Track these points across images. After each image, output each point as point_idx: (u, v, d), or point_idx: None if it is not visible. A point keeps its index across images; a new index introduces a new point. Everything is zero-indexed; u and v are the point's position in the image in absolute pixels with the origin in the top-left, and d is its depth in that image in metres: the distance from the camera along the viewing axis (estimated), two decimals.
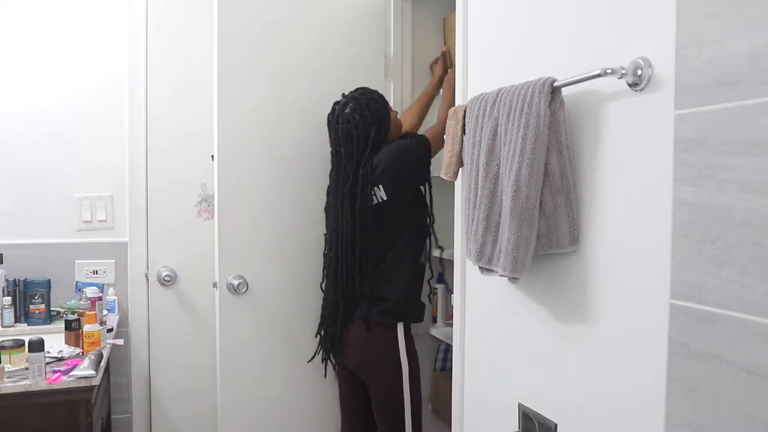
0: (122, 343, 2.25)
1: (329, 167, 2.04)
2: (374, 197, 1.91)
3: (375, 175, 1.89)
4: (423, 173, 1.96)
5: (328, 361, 2.06)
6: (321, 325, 2.08)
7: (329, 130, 2.00)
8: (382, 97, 1.99)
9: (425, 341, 2.47)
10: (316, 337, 2.10)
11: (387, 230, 1.93)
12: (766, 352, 0.80)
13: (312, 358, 2.10)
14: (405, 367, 1.90)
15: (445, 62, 2.29)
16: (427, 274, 2.04)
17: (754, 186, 0.81)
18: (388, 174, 1.89)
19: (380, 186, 1.90)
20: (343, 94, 1.99)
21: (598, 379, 1.14)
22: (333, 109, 1.99)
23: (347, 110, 1.93)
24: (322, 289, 2.08)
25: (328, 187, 2.04)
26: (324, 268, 2.07)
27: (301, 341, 2.14)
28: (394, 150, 1.90)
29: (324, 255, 2.07)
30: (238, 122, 2.03)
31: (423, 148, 1.91)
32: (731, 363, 0.84)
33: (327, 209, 2.05)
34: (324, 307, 2.06)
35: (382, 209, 1.91)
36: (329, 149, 2.03)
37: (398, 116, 2.07)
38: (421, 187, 2.00)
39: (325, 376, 2.10)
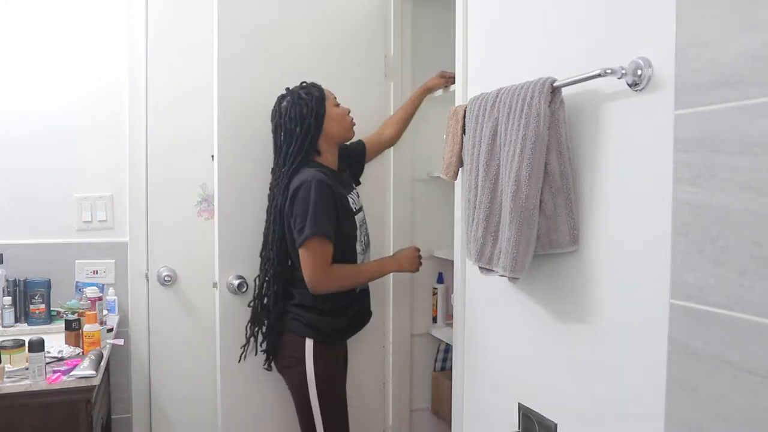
0: (122, 343, 2.25)
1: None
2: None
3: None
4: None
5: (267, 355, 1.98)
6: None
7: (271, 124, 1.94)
8: (320, 91, 1.88)
9: (425, 341, 2.47)
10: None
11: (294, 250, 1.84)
12: (766, 352, 0.80)
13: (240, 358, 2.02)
14: (311, 376, 1.82)
15: (442, 80, 2.20)
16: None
17: (754, 186, 0.81)
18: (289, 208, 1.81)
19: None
20: (287, 89, 1.92)
21: (598, 379, 1.14)
22: (275, 102, 1.93)
23: (284, 103, 1.87)
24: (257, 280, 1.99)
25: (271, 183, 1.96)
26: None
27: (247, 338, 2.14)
28: (301, 194, 1.76)
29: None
30: (238, 122, 2.03)
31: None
32: (731, 363, 0.84)
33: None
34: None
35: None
36: None
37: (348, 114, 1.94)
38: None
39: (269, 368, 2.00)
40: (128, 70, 2.42)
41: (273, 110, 1.92)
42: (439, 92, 2.24)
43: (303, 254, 1.77)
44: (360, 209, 1.96)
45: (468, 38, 1.62)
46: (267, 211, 1.94)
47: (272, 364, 1.98)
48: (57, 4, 2.36)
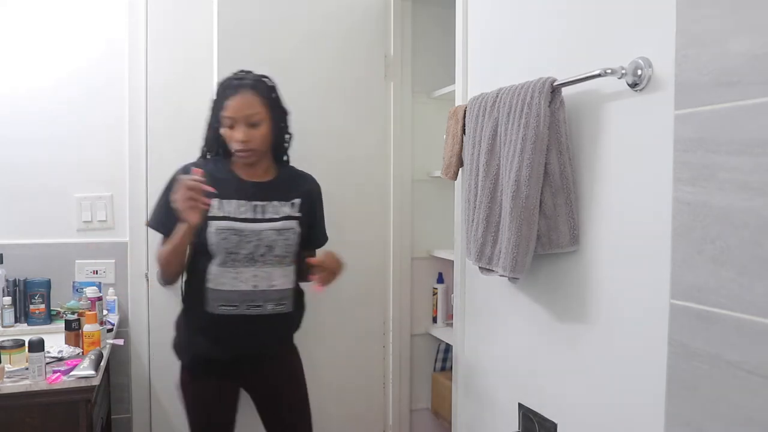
0: (122, 343, 2.25)
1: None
2: None
3: None
4: None
5: None
6: None
7: None
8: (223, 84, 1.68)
9: (425, 341, 2.47)
10: None
11: None
12: (766, 352, 0.80)
13: None
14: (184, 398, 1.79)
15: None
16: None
17: (754, 186, 0.81)
18: None
19: None
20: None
21: (598, 379, 1.14)
22: None
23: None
24: None
25: None
26: None
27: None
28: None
29: None
30: None
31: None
32: (731, 363, 0.84)
33: None
34: None
35: None
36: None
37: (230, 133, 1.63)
38: None
39: None
40: (128, 69, 2.42)
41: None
42: (440, 92, 2.24)
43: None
44: (227, 217, 1.63)
45: (468, 38, 1.62)
46: None
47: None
48: (57, 6, 2.36)
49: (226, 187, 1.65)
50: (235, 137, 1.61)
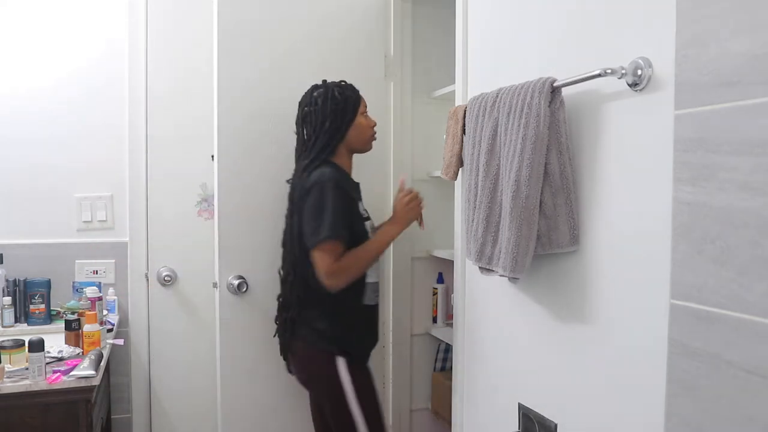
0: (122, 343, 2.25)
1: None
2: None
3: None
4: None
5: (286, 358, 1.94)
6: (278, 313, 1.93)
7: (297, 110, 1.90)
8: (356, 95, 1.86)
9: (425, 341, 2.47)
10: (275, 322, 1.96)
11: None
12: (766, 352, 0.80)
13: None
14: (347, 386, 1.75)
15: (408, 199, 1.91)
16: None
17: (754, 186, 0.81)
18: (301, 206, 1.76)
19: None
20: (324, 81, 1.88)
21: (598, 379, 1.14)
22: (308, 90, 1.89)
23: (315, 93, 1.84)
24: (279, 273, 1.92)
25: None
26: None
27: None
28: (316, 193, 1.72)
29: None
30: (238, 122, 2.03)
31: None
32: (731, 363, 0.84)
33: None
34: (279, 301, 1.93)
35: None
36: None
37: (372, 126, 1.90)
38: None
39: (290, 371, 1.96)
40: (128, 70, 2.42)
41: (304, 97, 1.87)
42: (440, 92, 2.24)
43: (316, 256, 1.72)
44: (369, 218, 1.91)
45: (468, 38, 1.62)
46: (289, 202, 1.88)
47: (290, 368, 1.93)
48: (55, 8, 2.36)
49: (355, 189, 1.90)
50: (371, 123, 1.89)
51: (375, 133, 1.92)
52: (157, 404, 2.50)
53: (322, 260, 1.71)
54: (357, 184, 1.93)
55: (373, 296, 1.86)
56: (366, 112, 1.90)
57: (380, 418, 1.83)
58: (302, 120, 1.87)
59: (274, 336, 1.96)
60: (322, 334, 1.79)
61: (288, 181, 1.91)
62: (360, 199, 1.92)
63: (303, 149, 1.86)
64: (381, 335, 2.35)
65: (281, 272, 1.91)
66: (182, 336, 2.51)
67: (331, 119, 1.81)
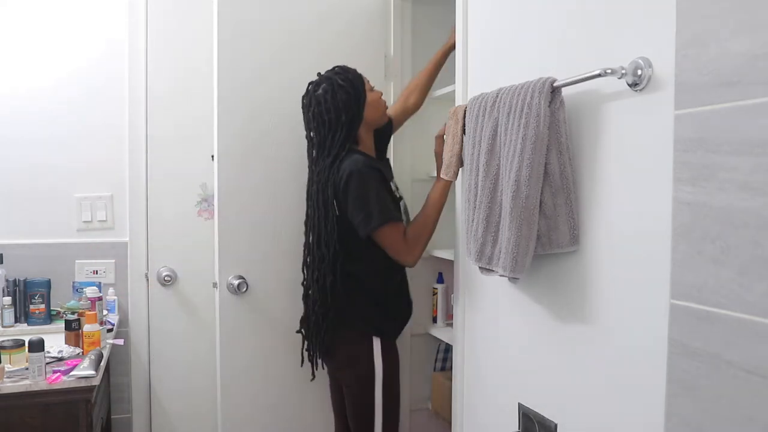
0: (122, 343, 2.25)
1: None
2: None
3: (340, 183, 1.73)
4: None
5: (314, 362, 1.93)
6: (302, 322, 1.94)
7: (303, 113, 1.86)
8: (358, 76, 1.83)
9: (425, 341, 2.47)
10: (297, 332, 1.96)
11: (349, 243, 1.77)
12: (766, 352, 0.80)
13: (303, 361, 1.95)
14: (379, 374, 1.79)
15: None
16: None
17: (754, 186, 0.81)
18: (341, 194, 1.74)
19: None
20: (319, 74, 1.84)
21: (598, 379, 1.14)
22: (306, 90, 1.84)
23: (319, 91, 1.78)
24: (304, 274, 1.90)
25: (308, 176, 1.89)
26: (304, 257, 1.90)
27: (301, 341, 2.14)
28: (355, 183, 1.70)
29: (304, 245, 1.90)
30: (238, 122, 2.03)
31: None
32: (731, 363, 0.84)
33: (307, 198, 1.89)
34: (304, 302, 1.92)
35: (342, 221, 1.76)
36: None
37: (384, 96, 1.92)
38: None
39: (312, 378, 1.96)
40: (128, 70, 2.43)
41: (306, 98, 1.83)
42: (440, 92, 2.24)
43: (383, 241, 1.74)
44: (401, 197, 1.91)
45: (468, 38, 1.62)
46: (309, 205, 1.85)
47: (321, 364, 1.92)
48: (55, 8, 2.36)
49: (389, 167, 1.97)
50: (378, 94, 1.88)
51: (385, 101, 1.93)
52: (157, 404, 2.50)
53: (391, 243, 1.74)
54: (387, 161, 1.97)
55: (406, 272, 1.93)
56: (371, 86, 1.87)
57: (396, 415, 1.88)
58: (314, 121, 1.81)
59: (298, 331, 1.95)
60: (361, 317, 1.81)
61: (311, 183, 1.86)
62: (392, 177, 1.93)
63: (321, 149, 1.81)
64: None
65: (305, 273, 1.88)
66: (182, 336, 2.51)
67: (345, 110, 1.77)
